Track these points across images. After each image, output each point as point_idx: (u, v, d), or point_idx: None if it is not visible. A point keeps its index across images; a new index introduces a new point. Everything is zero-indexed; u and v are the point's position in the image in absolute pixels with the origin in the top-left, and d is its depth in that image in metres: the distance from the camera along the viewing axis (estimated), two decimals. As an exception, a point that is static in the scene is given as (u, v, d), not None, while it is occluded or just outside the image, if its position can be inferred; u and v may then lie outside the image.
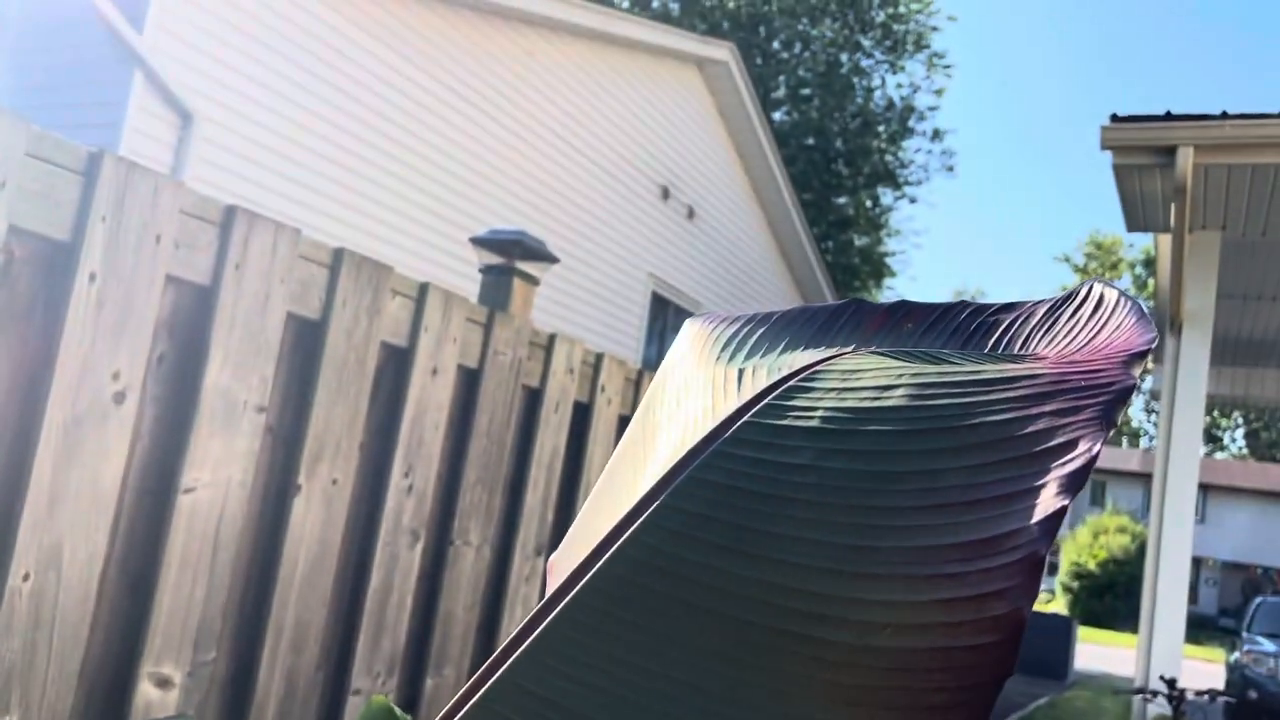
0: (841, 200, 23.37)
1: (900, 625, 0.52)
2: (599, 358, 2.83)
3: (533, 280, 2.49)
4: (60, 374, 1.49)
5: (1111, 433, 0.55)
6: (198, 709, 1.78)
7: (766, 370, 0.65)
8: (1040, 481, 0.52)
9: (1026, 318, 0.67)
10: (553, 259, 2.48)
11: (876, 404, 0.58)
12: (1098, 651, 17.48)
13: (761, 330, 0.72)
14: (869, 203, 23.99)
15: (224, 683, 1.85)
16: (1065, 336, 0.63)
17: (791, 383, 0.62)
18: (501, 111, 7.86)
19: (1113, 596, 25.05)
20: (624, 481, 0.65)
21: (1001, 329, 0.67)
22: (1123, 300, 0.63)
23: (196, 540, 1.73)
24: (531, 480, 2.59)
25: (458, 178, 7.45)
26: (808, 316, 0.73)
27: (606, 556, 0.58)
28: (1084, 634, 19.31)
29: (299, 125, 6.19)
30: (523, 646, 0.56)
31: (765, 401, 0.61)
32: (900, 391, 0.58)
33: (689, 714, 0.53)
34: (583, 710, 0.54)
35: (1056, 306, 0.66)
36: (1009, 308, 0.68)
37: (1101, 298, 0.64)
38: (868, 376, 0.60)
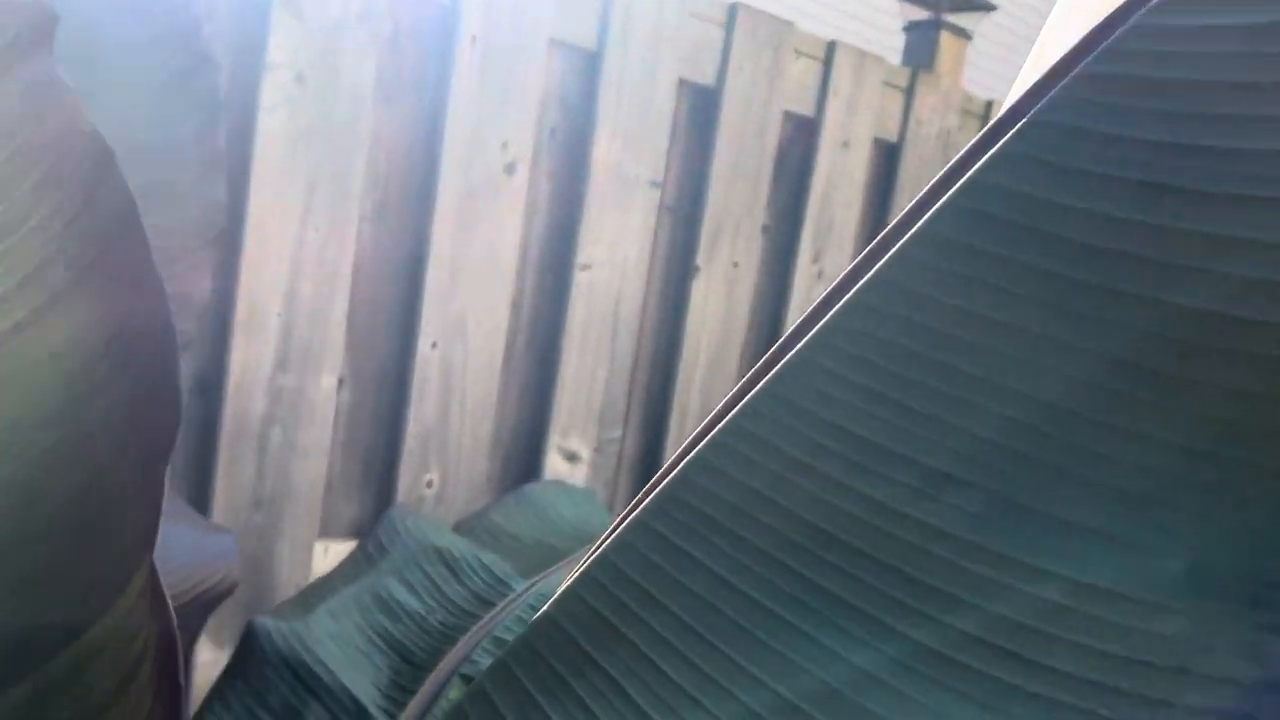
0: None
1: None
2: (1049, 129, 2.39)
3: (964, 34, 2.12)
4: (450, 144, 1.48)
5: None
6: (608, 485, 1.81)
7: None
8: None
9: None
10: (989, 5, 2.09)
11: None
12: None
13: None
14: None
15: (632, 461, 1.86)
16: None
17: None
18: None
19: None
20: None
21: None
22: None
23: (596, 318, 1.70)
24: (962, 271, 2.28)
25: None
26: None
27: (928, 215, 0.36)
28: None
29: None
30: (851, 291, 0.38)
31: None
32: None
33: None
34: (931, 355, 0.36)
35: None
36: None
37: None
38: None
